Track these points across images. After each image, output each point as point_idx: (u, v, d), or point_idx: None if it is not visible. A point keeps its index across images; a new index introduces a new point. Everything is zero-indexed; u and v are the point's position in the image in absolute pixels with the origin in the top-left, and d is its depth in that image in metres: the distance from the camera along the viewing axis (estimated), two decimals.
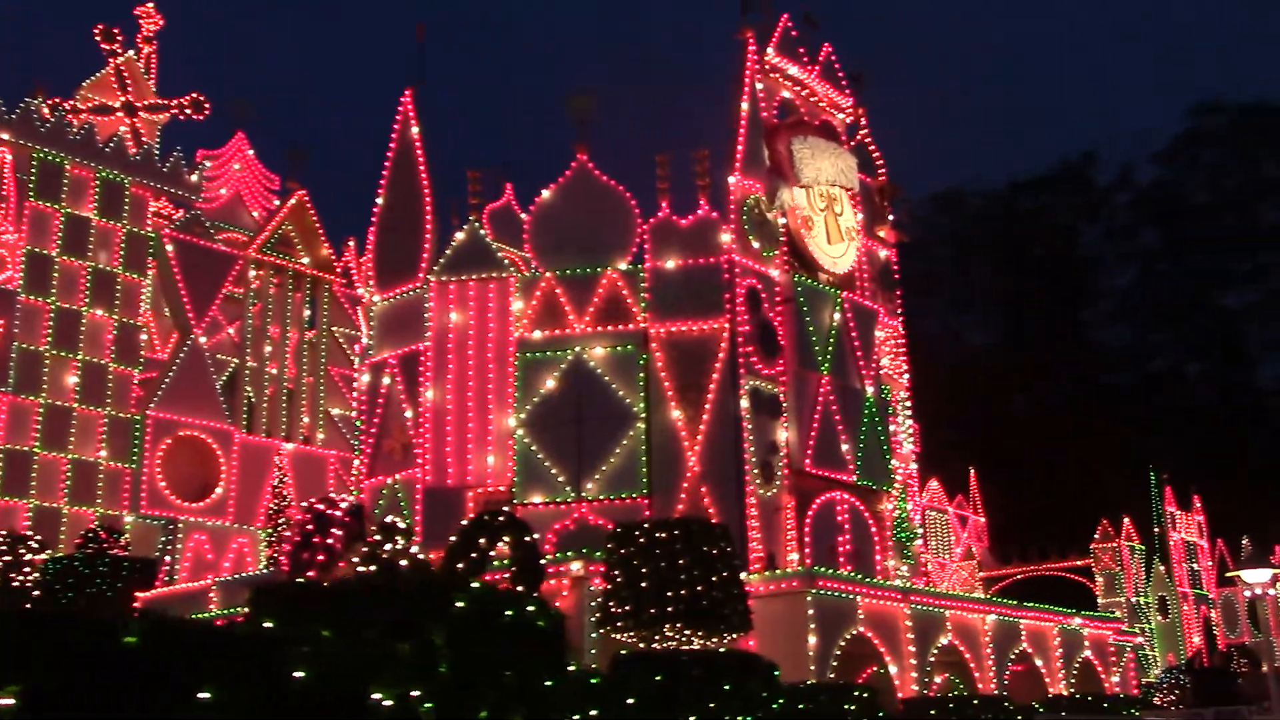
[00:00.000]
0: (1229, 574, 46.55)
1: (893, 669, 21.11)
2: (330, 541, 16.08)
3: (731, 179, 25.71)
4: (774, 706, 8.25)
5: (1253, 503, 61.37)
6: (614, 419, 24.23)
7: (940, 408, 60.35)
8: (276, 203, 36.59)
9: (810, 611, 19.69)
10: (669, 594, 16.11)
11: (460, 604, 4.79)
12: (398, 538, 15.19)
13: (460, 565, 11.01)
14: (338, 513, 16.97)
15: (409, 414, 25.19)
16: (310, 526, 16.77)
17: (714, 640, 16.83)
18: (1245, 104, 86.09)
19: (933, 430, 50.23)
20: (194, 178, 33.69)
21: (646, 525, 16.82)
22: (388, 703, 4.82)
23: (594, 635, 16.82)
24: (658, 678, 7.10)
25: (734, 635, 16.70)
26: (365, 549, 14.85)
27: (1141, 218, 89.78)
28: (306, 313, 36.37)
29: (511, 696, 4.89)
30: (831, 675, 19.92)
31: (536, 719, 5.02)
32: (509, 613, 5.05)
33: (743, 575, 20.31)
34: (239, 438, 32.66)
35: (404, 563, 11.91)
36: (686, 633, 16.31)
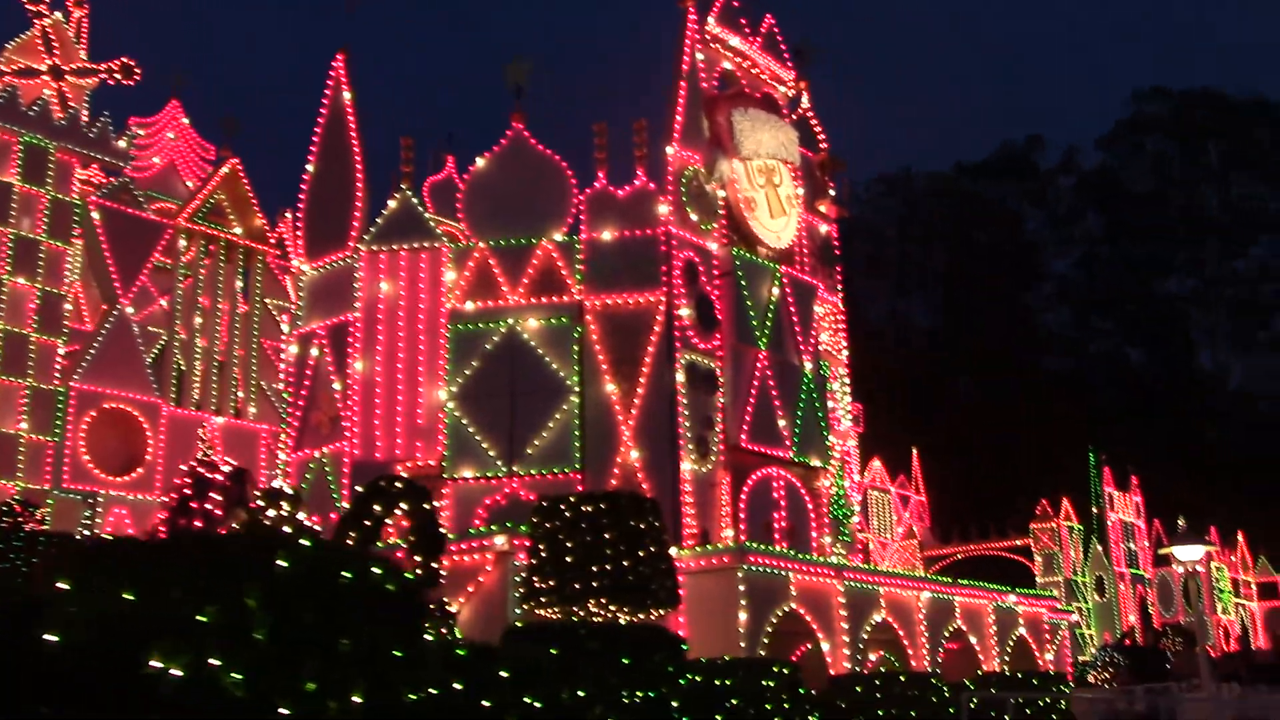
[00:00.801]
0: (1162, 552, 47.02)
1: (825, 646, 20.90)
2: (209, 507, 15.35)
3: (670, 150, 25.30)
4: (681, 682, 7.88)
5: (1190, 485, 62.11)
6: (547, 392, 23.79)
7: (885, 388, 60.52)
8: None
9: (741, 588, 19.41)
10: (594, 569, 15.74)
11: (284, 563, 4.34)
12: (283, 504, 14.54)
13: (354, 534, 10.56)
14: (218, 476, 16.24)
15: (337, 386, 24.61)
16: (188, 490, 16.05)
17: (640, 616, 16.52)
18: (1186, 90, 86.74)
19: (877, 410, 50.28)
20: (122, 144, 32.71)
21: (573, 499, 16.43)
22: (176, 672, 4.37)
23: (518, 611, 16.39)
24: (552, 650, 6.72)
25: (661, 611, 16.39)
26: (247, 516, 14.29)
27: (1085, 203, 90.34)
28: (239, 284, 35.53)
29: (347, 667, 4.47)
30: (763, 652, 19.69)
31: (383, 692, 4.62)
32: (347, 575, 4.62)
33: (674, 551, 20.02)
34: (167, 410, 31.82)
35: (288, 530, 11.47)
36: (612, 608, 15.97)
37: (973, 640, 24.70)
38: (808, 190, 29.36)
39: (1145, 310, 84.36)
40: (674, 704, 7.72)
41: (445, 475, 23.51)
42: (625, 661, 6.95)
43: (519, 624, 7.99)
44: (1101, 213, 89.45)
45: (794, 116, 29.59)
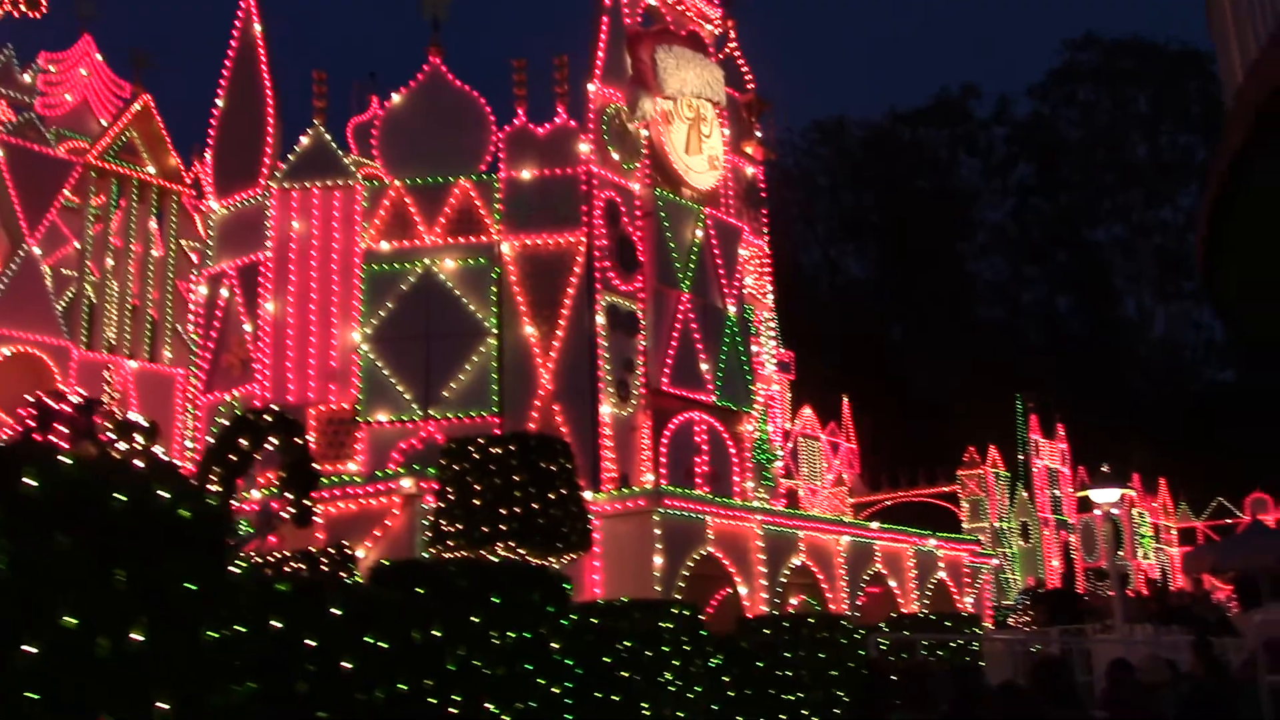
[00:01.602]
0: (1080, 495, 47.67)
1: (743, 590, 20.78)
2: (53, 439, 14.62)
3: (591, 87, 24.72)
4: (564, 623, 7.53)
5: (1114, 432, 62.93)
6: (464, 335, 23.27)
7: (817, 336, 60.54)
8: None
9: (657, 531, 19.17)
10: (502, 511, 15.43)
11: (32, 482, 3.90)
12: (136, 436, 13.91)
13: (218, 469, 10.09)
14: (65, 408, 15.52)
15: (248, 328, 23.92)
16: (31, 422, 15.33)
17: (551, 559, 16.21)
18: (1118, 39, 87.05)
19: (808, 358, 50.25)
20: (27, 78, 31.53)
21: (481, 440, 16.04)
22: None
23: (425, 555, 16.00)
24: (418, 589, 6.36)
25: (573, 555, 16.10)
26: (95, 449, 13.71)
27: (1017, 152, 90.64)
28: (153, 225, 34.49)
29: (123, 601, 4.06)
30: (679, 595, 19.50)
31: (173, 630, 4.22)
32: (120, 497, 4.17)
33: (589, 494, 19.71)
34: (77, 354, 30.88)
35: (139, 464, 10.98)
36: (521, 551, 15.67)
37: (892, 584, 24.74)
38: (734, 131, 28.92)
39: (1074, 259, 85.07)
40: (554, 645, 7.37)
41: (359, 419, 22.98)
42: (495, 600, 6.58)
43: (385, 562, 7.67)
44: (1033, 162, 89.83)
45: (720, 56, 29.07)
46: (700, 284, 25.70)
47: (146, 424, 11.70)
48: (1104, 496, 20.98)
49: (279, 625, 4.86)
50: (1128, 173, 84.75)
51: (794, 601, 24.08)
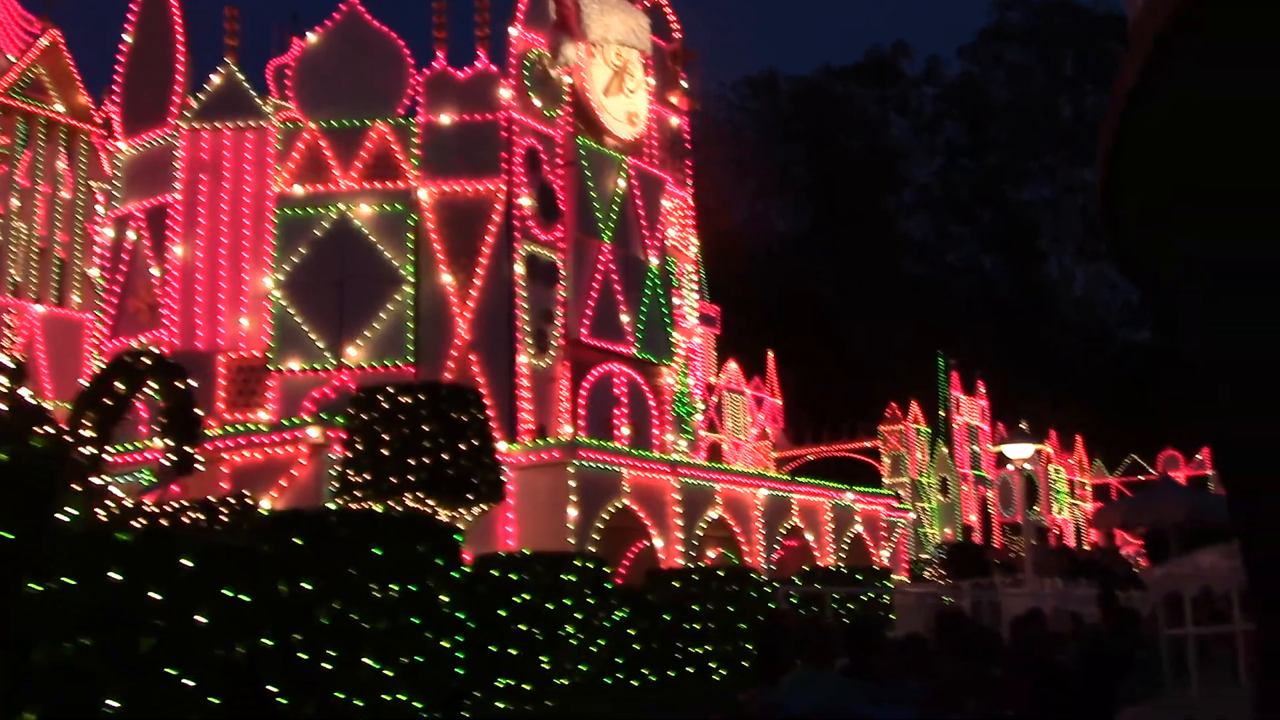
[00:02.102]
0: (993, 449, 48.34)
1: (659, 543, 20.71)
2: None
3: (513, 31, 24.21)
4: (454, 575, 7.29)
5: (1033, 390, 63.79)
6: (379, 282, 22.80)
7: (744, 291, 60.52)
8: None
9: (572, 483, 18.99)
10: (411, 462, 15.15)
11: None
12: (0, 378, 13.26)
13: (92, 414, 9.70)
14: None
15: (155, 272, 23.24)
16: None
17: (461, 511, 15.97)
18: (1047, 0, 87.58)
19: (735, 312, 50.17)
20: None
21: (391, 389, 15.70)
22: None
23: (333, 505, 15.66)
24: (297, 540, 6.09)
25: (484, 506, 15.88)
26: None
27: (946, 111, 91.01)
28: (62, 165, 33.41)
29: None
30: (593, 548, 19.37)
31: None
32: None
33: (503, 446, 19.47)
34: None
35: (4, 407, 10.48)
36: (430, 502, 15.40)
37: (809, 537, 24.84)
38: (659, 80, 28.54)
39: (1000, 219, 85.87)
40: (444, 598, 7.13)
41: (270, 366, 22.47)
42: (376, 552, 6.32)
43: (264, 512, 7.39)
44: (962, 122, 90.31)
45: (647, 3, 28.62)
46: (622, 235, 25.41)
47: (12, 364, 11.15)
48: (1017, 452, 21.16)
49: (118, 578, 4.59)
50: (1054, 134, 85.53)
51: (711, 555, 24.09)
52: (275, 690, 5.29)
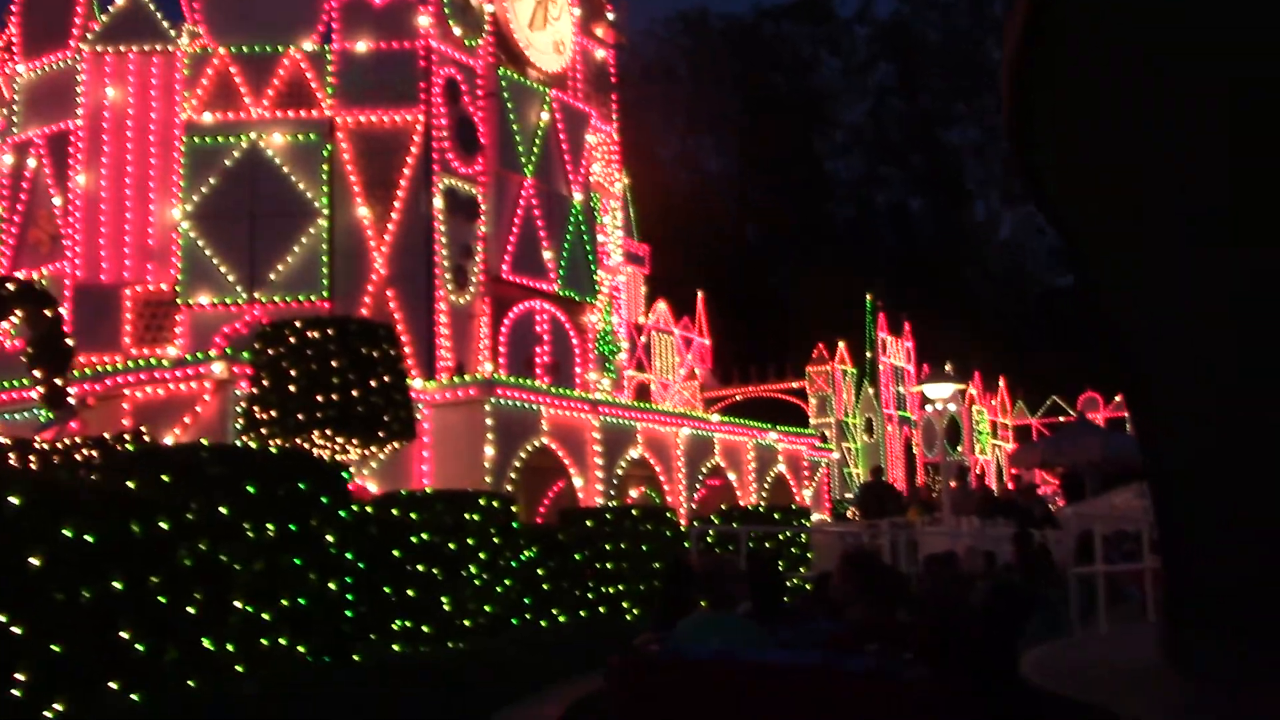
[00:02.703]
0: (913, 390, 48.75)
1: (578, 482, 20.47)
2: None
3: None
4: (341, 514, 6.95)
5: (958, 331, 64.37)
6: (293, 215, 22.14)
7: (673, 230, 60.17)
8: None
9: (489, 421, 18.64)
10: (319, 398, 14.69)
11: None
12: None
13: None
14: None
15: (58, 201, 22.37)
16: None
17: (372, 449, 15.59)
18: None
19: (665, 252, 49.78)
20: None
21: (298, 323, 15.14)
22: None
23: (239, 444, 15.19)
24: (164, 476, 5.73)
25: (396, 444, 15.50)
26: None
27: (878, 52, 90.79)
28: None
29: None
30: (510, 488, 19.10)
31: None
32: None
33: (419, 383, 19.06)
34: None
35: None
36: (339, 440, 15.00)
37: (731, 477, 24.74)
38: (584, 12, 27.89)
39: (929, 161, 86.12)
40: (329, 538, 6.80)
41: (179, 301, 21.79)
42: (250, 489, 5.96)
43: (129, 447, 7.03)
44: (894, 63, 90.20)
45: None
46: (544, 169, 24.91)
47: None
48: (938, 391, 21.17)
49: None
50: (983, 76, 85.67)
51: (634, 494, 23.94)
52: (129, 637, 4.95)
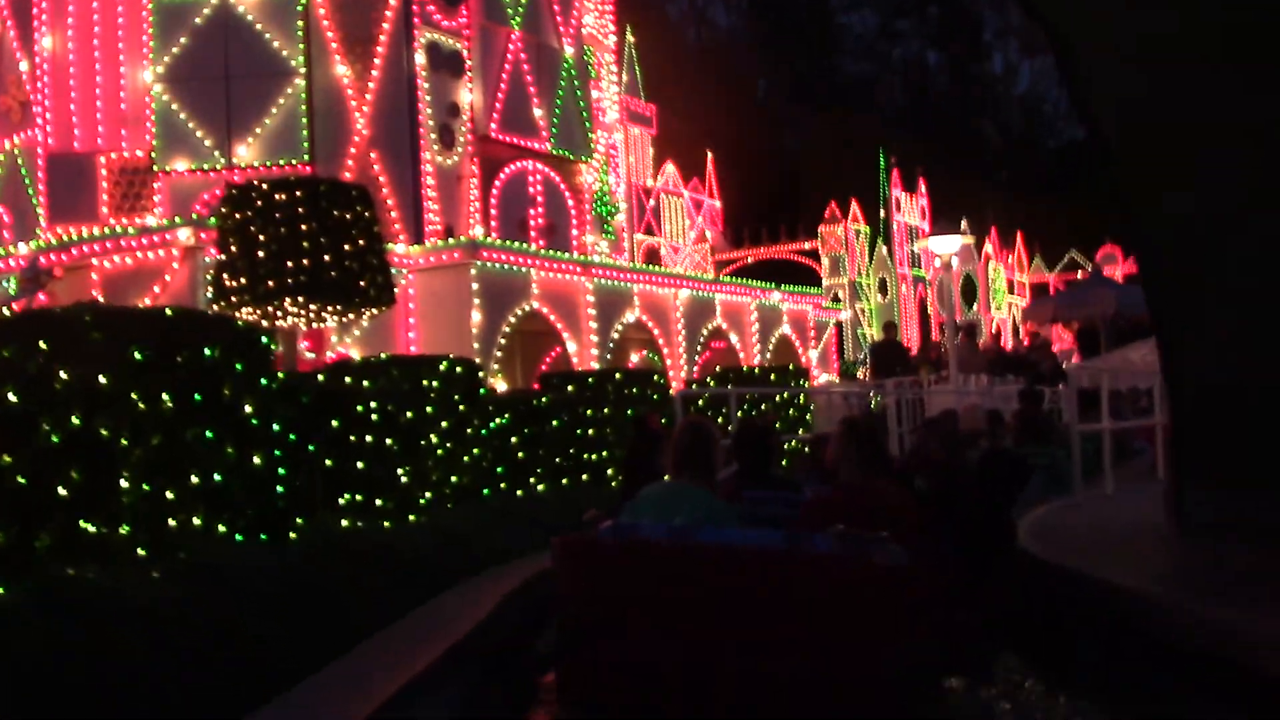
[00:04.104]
0: (920, 241, 47.78)
1: (572, 347, 19.89)
2: None
3: None
4: (263, 383, 6.33)
5: (975, 188, 63.04)
6: (269, 75, 21.16)
7: (681, 89, 58.58)
8: None
9: (475, 286, 17.98)
10: (289, 264, 14.03)
11: None
12: None
13: None
14: None
15: (25, 66, 21.43)
16: None
17: (350, 316, 15.00)
18: None
19: (673, 112, 48.44)
20: None
21: (265, 185, 14.39)
22: None
23: (210, 313, 14.58)
24: (42, 343, 5.11)
25: (374, 311, 14.89)
26: None
27: None
28: None
29: None
30: (499, 354, 18.54)
31: None
32: None
33: (401, 247, 18.38)
34: None
35: None
36: (313, 308, 14.40)
37: (734, 339, 24.14)
38: None
39: (944, 12, 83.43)
40: (248, 409, 6.18)
41: (155, 168, 20.99)
42: (138, 357, 5.33)
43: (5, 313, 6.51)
44: None
45: None
46: (533, 21, 23.75)
47: None
48: (944, 246, 20.34)
49: None
50: None
51: (635, 358, 23.39)
52: None
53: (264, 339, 6.52)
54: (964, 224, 47.56)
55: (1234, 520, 7.27)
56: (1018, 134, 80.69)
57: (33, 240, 18.10)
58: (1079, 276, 58.82)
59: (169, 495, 5.67)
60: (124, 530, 5.32)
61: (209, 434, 5.97)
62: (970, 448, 11.60)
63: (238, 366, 6.19)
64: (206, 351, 5.92)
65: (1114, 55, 7.26)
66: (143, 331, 5.61)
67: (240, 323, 6.75)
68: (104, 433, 5.15)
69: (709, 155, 50.36)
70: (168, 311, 5.76)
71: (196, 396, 5.82)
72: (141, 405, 5.44)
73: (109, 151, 21.17)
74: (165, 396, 5.54)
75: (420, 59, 21.36)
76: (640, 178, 42.88)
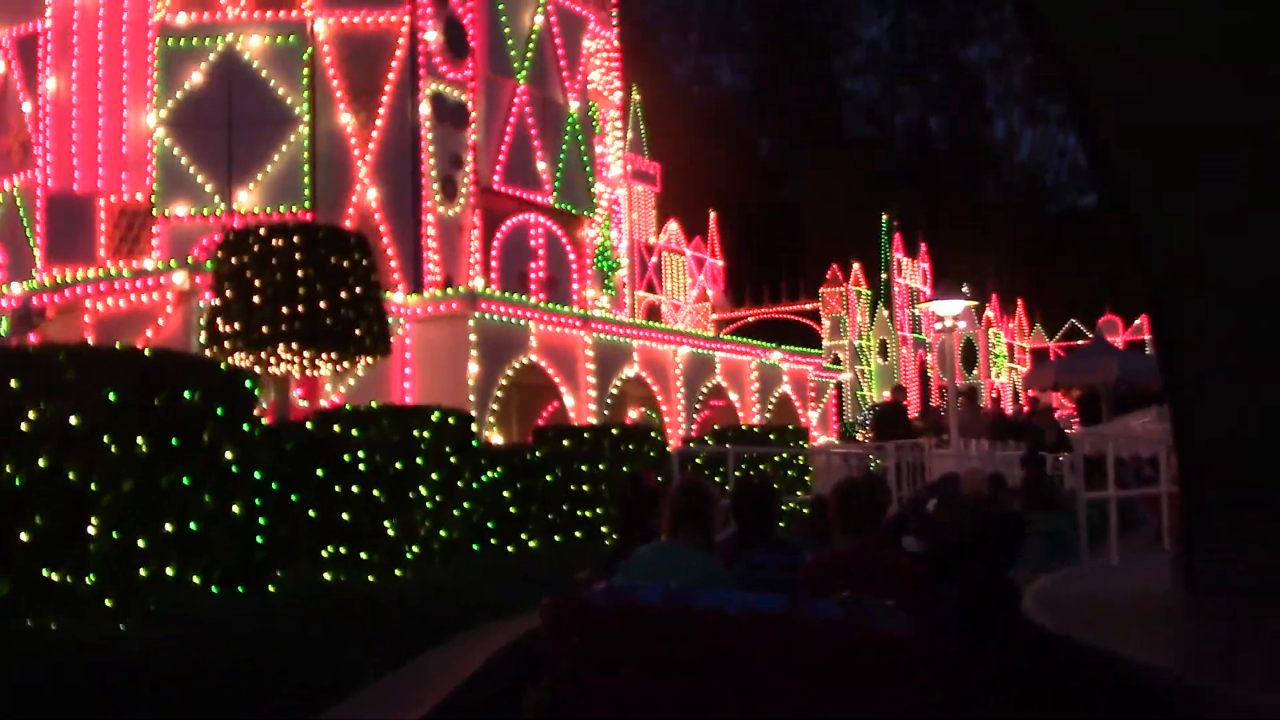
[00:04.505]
0: (921, 307, 47.68)
1: (570, 401, 19.65)
2: None
3: None
4: (245, 429, 6.10)
5: (976, 253, 63.14)
6: (272, 122, 21.09)
7: (686, 148, 58.86)
8: None
9: (473, 337, 17.78)
10: (284, 310, 13.81)
11: None
12: None
13: None
14: None
15: (28, 107, 21.39)
16: None
17: (345, 364, 14.76)
18: None
19: (676, 171, 48.57)
20: None
21: (263, 231, 14.21)
22: None
23: (117, 347, 14.33)
24: (13, 382, 4.89)
25: (369, 359, 14.65)
26: None
27: None
28: None
29: None
30: (495, 407, 18.31)
31: None
32: None
33: (398, 296, 18.21)
34: None
35: None
36: (306, 355, 14.16)
37: (733, 397, 23.91)
38: None
39: (948, 79, 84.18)
40: (229, 455, 5.94)
41: (155, 211, 20.87)
42: (112, 398, 5.11)
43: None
44: None
45: None
46: (538, 75, 23.75)
47: None
48: (947, 309, 20.18)
49: None
50: None
51: (633, 414, 23.16)
52: None
53: (248, 383, 6.29)
54: (965, 288, 47.58)
55: (1246, 575, 7.04)
56: (1019, 200, 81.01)
57: (27, 281, 17.94)
58: (1078, 344, 58.74)
59: (140, 543, 5.41)
60: (90, 579, 5.06)
61: (186, 480, 5.73)
62: (970, 513, 11.33)
63: (219, 410, 5.95)
64: (186, 394, 5.68)
65: (1114, 55, 7.18)
66: (119, 372, 5.38)
67: (223, 366, 6.52)
68: (72, 476, 4.91)
69: (712, 214, 50.47)
70: (146, 352, 5.53)
71: (174, 440, 5.58)
72: (114, 448, 5.20)
73: (109, 194, 21.06)
74: (140, 440, 5.30)
75: (425, 109, 21.32)
76: (643, 235, 42.91)
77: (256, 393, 6.47)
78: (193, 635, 5.26)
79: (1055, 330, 62.00)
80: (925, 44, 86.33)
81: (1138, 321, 55.83)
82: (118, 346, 5.67)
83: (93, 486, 5.02)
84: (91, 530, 5.01)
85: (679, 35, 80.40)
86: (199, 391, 5.73)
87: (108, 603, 5.20)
